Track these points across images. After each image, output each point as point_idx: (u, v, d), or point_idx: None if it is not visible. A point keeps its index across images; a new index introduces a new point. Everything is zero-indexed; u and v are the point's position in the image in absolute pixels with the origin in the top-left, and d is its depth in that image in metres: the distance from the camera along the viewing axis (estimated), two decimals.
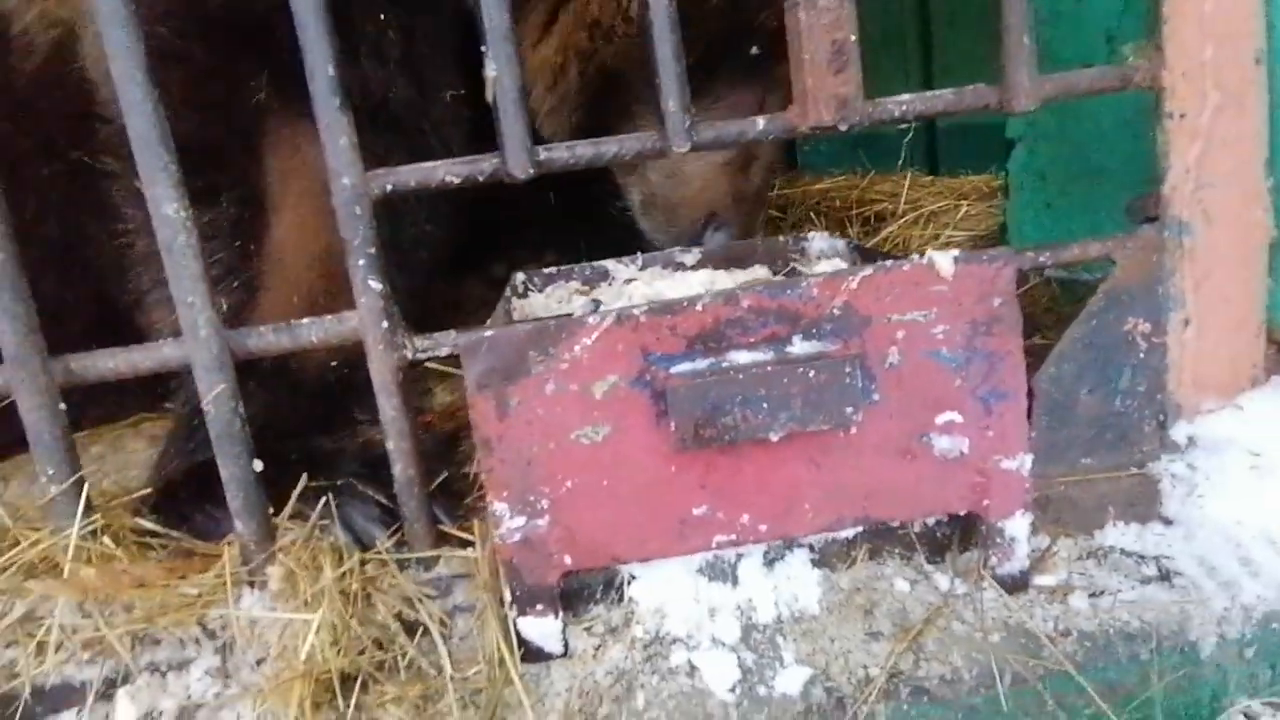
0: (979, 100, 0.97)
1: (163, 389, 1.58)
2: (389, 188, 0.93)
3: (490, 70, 0.89)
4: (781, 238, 1.61)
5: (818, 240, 1.57)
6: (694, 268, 1.63)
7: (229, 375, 0.93)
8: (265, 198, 1.32)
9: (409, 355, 0.95)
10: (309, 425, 1.21)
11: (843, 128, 0.93)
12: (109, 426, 1.67)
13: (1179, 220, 0.97)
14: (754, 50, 1.47)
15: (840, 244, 1.51)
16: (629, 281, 1.34)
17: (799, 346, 0.87)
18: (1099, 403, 1.01)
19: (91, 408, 1.69)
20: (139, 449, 1.54)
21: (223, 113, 1.27)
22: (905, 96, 0.96)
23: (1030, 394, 1.00)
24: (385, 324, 0.93)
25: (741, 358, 0.87)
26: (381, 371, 0.94)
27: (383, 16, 1.30)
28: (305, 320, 0.97)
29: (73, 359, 0.94)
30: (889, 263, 0.88)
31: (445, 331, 0.98)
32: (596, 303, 0.97)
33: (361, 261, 0.91)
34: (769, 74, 1.52)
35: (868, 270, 0.87)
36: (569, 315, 0.94)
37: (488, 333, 0.88)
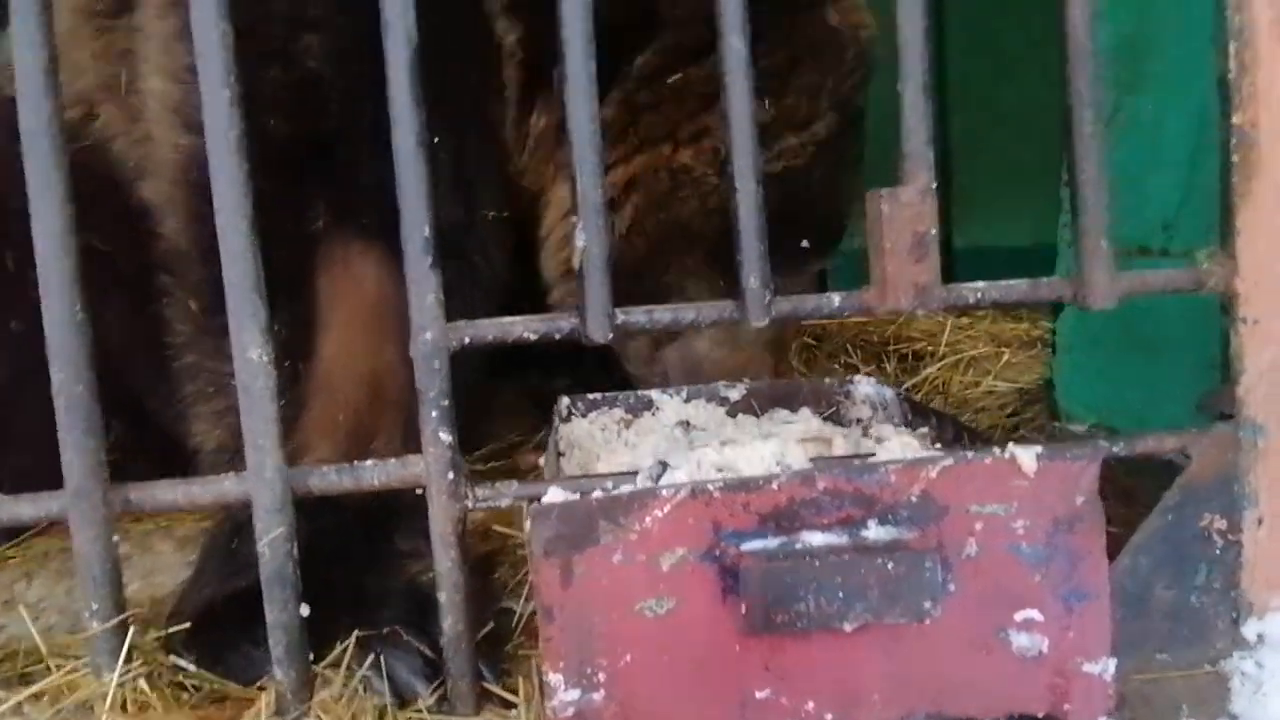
0: (1054, 292, 0.99)
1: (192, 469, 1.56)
2: (467, 340, 0.94)
3: (579, 241, 0.91)
4: (828, 380, 1.61)
5: (864, 385, 1.57)
6: (738, 403, 1.63)
7: (289, 518, 0.92)
8: (316, 317, 1.33)
9: (470, 505, 0.94)
10: (352, 552, 1.19)
11: (920, 313, 0.94)
12: (138, 524, 1.65)
13: (1254, 422, 0.97)
14: (804, 244, 1.54)
15: (889, 394, 1.51)
16: (686, 429, 1.33)
17: (874, 531, 0.86)
18: (1175, 598, 0.98)
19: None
20: (166, 551, 1.51)
21: (282, 238, 1.29)
22: (980, 284, 0.98)
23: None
24: (451, 475, 0.92)
25: (815, 539, 0.86)
26: (442, 523, 0.93)
27: (436, 139, 1.34)
28: (369, 462, 0.96)
29: (132, 490, 0.93)
30: (969, 454, 0.87)
31: (507, 481, 0.97)
32: (663, 464, 0.96)
33: (434, 413, 0.91)
34: (805, 267, 1.57)
35: (948, 460, 0.86)
36: (635, 480, 0.93)
37: (559, 498, 0.87)
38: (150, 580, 1.40)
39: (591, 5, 0.93)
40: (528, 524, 0.86)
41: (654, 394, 1.59)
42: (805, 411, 1.50)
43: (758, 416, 1.58)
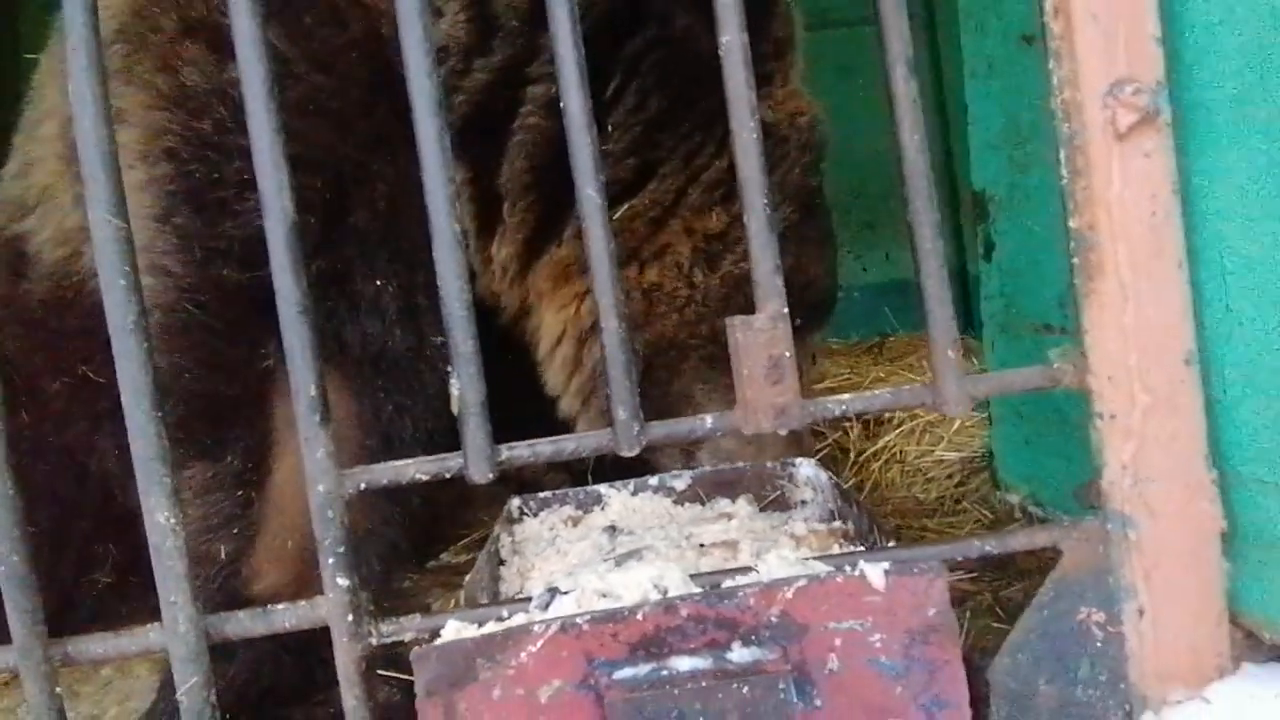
0: (916, 399, 1.03)
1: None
2: (362, 486, 1.01)
3: (454, 388, 0.98)
4: (770, 464, 1.66)
5: (805, 468, 1.62)
6: (684, 492, 1.68)
7: (204, 667, 0.99)
8: (270, 445, 1.43)
9: (373, 643, 1.00)
10: (283, 684, 1.25)
11: (782, 431, 0.99)
12: None
13: (1121, 514, 0.99)
14: (797, 322, 1.63)
15: (824, 477, 1.56)
16: (613, 534, 1.39)
17: (737, 653, 0.90)
18: (1059, 693, 1.00)
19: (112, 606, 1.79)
20: (143, 675, 1.60)
21: (237, 373, 1.41)
22: (845, 396, 1.02)
23: (987, 684, 0.99)
24: (350, 617, 0.99)
25: (682, 664, 0.90)
26: (345, 663, 0.99)
27: (381, 280, 1.45)
28: (280, 606, 1.03)
29: (70, 644, 1.02)
30: (823, 572, 0.91)
31: (411, 615, 1.03)
32: (554, 590, 1.01)
33: (331, 560, 0.98)
34: (803, 341, 1.65)
35: (801, 581, 0.90)
36: (528, 607, 0.98)
37: (453, 633, 0.94)
38: (125, 706, 1.48)
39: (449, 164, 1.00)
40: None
41: (603, 489, 1.65)
42: (742, 502, 1.55)
43: (704, 504, 1.63)
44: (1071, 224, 1.01)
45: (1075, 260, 1.00)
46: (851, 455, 2.02)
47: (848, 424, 2.10)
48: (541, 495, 1.65)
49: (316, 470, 0.99)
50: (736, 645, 0.90)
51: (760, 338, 0.98)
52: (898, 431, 1.97)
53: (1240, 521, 1.01)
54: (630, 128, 1.53)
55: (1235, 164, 1.01)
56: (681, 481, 1.65)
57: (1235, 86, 1.00)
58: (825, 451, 2.13)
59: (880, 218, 4.02)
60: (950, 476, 1.73)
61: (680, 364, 1.70)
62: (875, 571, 0.89)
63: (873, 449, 1.96)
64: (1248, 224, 0.99)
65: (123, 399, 0.96)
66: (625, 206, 1.57)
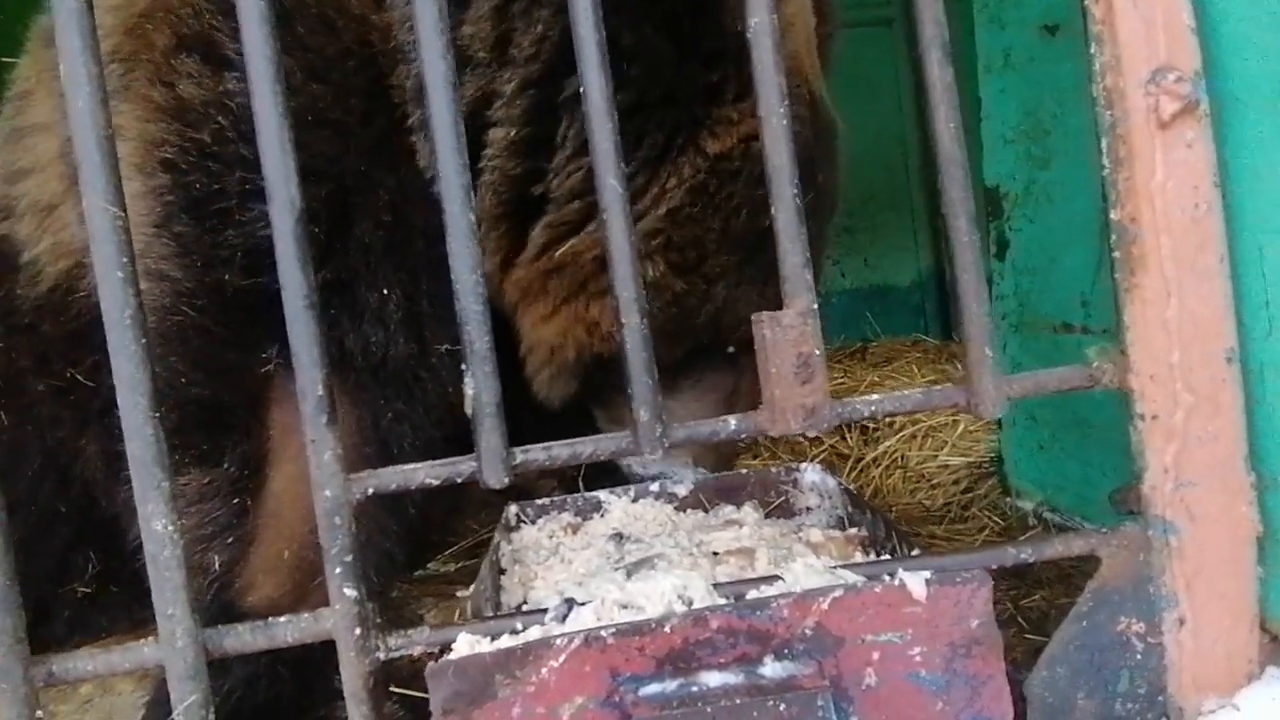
0: (947, 400, 0.99)
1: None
2: (370, 491, 0.96)
3: (468, 388, 0.93)
4: (774, 468, 1.62)
5: (810, 473, 1.58)
6: (686, 499, 1.64)
7: (202, 684, 0.93)
8: (267, 452, 1.37)
9: (381, 657, 0.95)
10: (287, 697, 1.19)
11: (811, 434, 0.94)
12: None
13: (1163, 519, 0.96)
14: (730, 350, 1.64)
15: (831, 482, 1.52)
16: (620, 542, 1.34)
17: (770, 667, 0.86)
18: (1098, 707, 0.96)
19: (91, 617, 1.71)
20: (126, 690, 1.53)
21: (235, 378, 1.35)
22: (874, 397, 0.98)
23: (1023, 698, 0.96)
24: (358, 630, 0.93)
25: (712, 679, 0.85)
26: (352, 678, 0.93)
27: (385, 290, 1.40)
28: (283, 619, 0.97)
29: (54, 661, 0.95)
30: (860, 582, 0.87)
31: (420, 628, 0.98)
32: (569, 603, 0.96)
33: (338, 570, 0.93)
34: (742, 362, 1.65)
35: (838, 591, 0.86)
36: (543, 619, 0.94)
37: (466, 647, 0.88)
38: None
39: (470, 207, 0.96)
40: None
41: (602, 495, 1.60)
42: (748, 508, 1.50)
43: (706, 511, 1.59)
44: (1113, 216, 0.97)
45: (1116, 254, 0.97)
46: (850, 461, 1.98)
47: (846, 429, 2.07)
48: (539, 502, 1.61)
49: (323, 474, 0.93)
50: (769, 659, 0.86)
51: (789, 334, 0.93)
52: (898, 436, 1.93)
53: (1269, 524, 0.98)
54: (573, 172, 1.51)
55: (1270, 159, 0.98)
56: (683, 487, 1.60)
57: (1270, 83, 0.97)
58: (822, 456, 2.09)
59: (859, 223, 3.98)
60: (957, 482, 1.70)
61: (613, 371, 1.72)
62: (916, 581, 0.85)
63: (872, 454, 1.92)
64: None
65: (119, 398, 0.90)
66: (568, 244, 1.54)
